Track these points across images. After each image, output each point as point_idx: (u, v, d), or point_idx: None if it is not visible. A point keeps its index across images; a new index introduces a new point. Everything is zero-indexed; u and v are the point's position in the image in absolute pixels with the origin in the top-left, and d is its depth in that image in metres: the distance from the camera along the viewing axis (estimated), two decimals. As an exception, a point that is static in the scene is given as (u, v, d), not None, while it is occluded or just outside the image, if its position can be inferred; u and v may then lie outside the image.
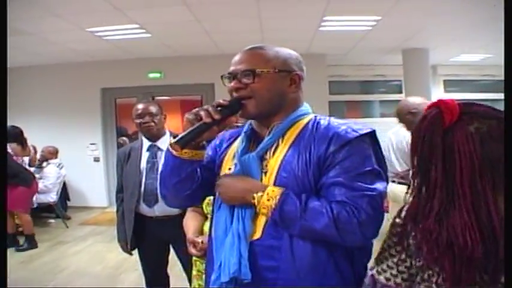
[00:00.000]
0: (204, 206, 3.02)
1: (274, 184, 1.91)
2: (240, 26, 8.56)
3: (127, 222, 4.17)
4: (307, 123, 2.03)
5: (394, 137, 5.68)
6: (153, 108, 4.14)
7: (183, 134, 2.03)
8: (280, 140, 2.00)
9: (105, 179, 11.23)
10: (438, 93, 13.50)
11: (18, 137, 8.39)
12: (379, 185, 1.86)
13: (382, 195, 1.85)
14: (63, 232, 8.96)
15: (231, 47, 9.72)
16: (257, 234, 1.91)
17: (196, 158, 2.09)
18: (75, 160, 10.50)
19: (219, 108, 2.01)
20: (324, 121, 2.02)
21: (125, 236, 4.23)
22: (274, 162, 1.95)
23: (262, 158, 1.99)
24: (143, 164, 4.13)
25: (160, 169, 3.45)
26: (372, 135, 1.96)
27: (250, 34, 9.16)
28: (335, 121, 2.01)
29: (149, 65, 11.19)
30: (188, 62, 10.94)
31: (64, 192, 10.33)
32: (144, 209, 4.08)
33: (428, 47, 10.89)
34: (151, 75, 11.40)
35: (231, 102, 2.04)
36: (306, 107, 2.12)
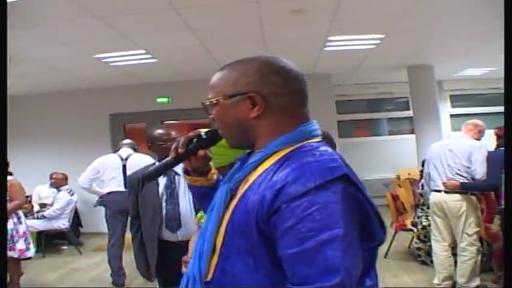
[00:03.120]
0: (197, 221, 3.00)
1: (227, 226, 1.55)
2: (245, 49, 8.52)
3: (149, 249, 4.12)
4: (283, 156, 1.54)
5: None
6: (174, 134, 4.14)
7: (151, 169, 1.93)
8: (250, 175, 1.59)
9: (117, 203, 11.27)
10: (445, 108, 13.57)
11: None
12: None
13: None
14: (76, 259, 8.92)
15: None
16: (209, 276, 1.58)
17: (200, 184, 2.02)
18: (86, 186, 10.59)
19: (195, 140, 1.84)
20: (297, 157, 1.50)
21: (145, 263, 4.18)
22: (235, 201, 1.57)
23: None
24: (161, 189, 4.06)
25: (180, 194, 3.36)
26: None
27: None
28: (309, 159, 1.47)
29: (157, 89, 11.30)
30: (195, 86, 10.90)
31: (76, 219, 10.34)
32: (167, 234, 4.04)
33: (433, 62, 10.96)
34: (160, 100, 11.48)
35: (207, 134, 1.84)
36: (299, 131, 1.61)
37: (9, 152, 11.21)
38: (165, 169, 1.90)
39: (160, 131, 4.20)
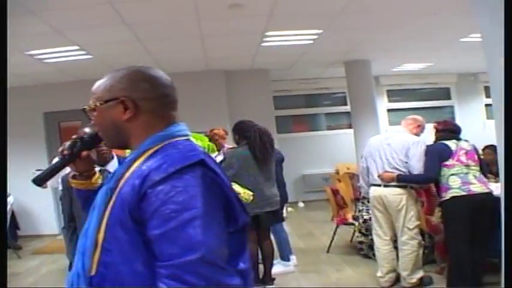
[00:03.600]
0: None
1: (107, 221, 1.62)
2: (182, 44, 8.56)
3: None
4: (153, 152, 1.70)
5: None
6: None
7: (41, 172, 1.98)
8: (126, 172, 1.69)
9: (54, 205, 10.90)
10: (382, 103, 13.75)
11: None
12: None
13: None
14: (15, 263, 8.58)
15: (174, 66, 9.70)
16: (93, 271, 1.62)
17: (85, 188, 2.13)
18: (22, 187, 10.21)
19: (77, 142, 1.99)
20: (162, 150, 1.69)
21: None
22: (114, 196, 1.66)
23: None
24: None
25: None
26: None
27: (193, 52, 9.19)
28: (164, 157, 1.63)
29: (91, 86, 10.94)
30: (133, 83, 10.84)
31: (13, 222, 10.02)
32: None
33: (370, 58, 11.05)
34: (95, 97, 11.14)
35: (88, 136, 2.00)
36: (167, 131, 1.76)
37: None
38: (55, 171, 1.97)
39: (86, 129, 4.03)
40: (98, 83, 1.85)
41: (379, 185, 5.60)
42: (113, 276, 1.57)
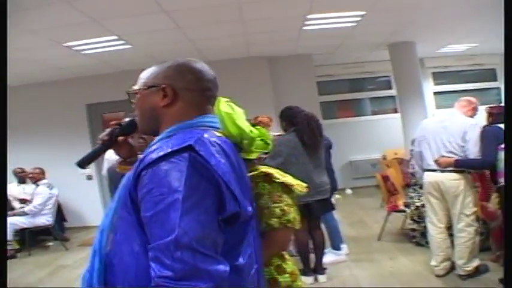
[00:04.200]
0: None
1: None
2: (222, 31, 8.38)
3: None
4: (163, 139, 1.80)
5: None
6: None
7: (83, 156, 2.12)
8: None
9: (101, 196, 10.96)
10: (428, 86, 13.43)
11: None
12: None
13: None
14: (63, 255, 8.66)
15: (215, 53, 9.57)
16: (108, 248, 1.73)
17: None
18: (68, 180, 10.22)
19: (117, 128, 2.16)
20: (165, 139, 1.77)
21: None
22: None
23: None
24: None
25: None
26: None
27: (234, 38, 9.02)
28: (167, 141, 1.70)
29: (133, 77, 10.78)
30: (173, 71, 10.76)
31: (60, 214, 10.11)
32: None
33: (415, 40, 10.74)
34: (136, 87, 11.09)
35: (126, 123, 2.17)
36: (194, 121, 1.86)
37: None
38: (95, 156, 2.12)
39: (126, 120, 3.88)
40: (146, 70, 1.98)
41: (434, 170, 5.34)
42: (118, 255, 1.68)
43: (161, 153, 1.58)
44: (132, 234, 1.63)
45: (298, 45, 10.27)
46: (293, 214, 2.44)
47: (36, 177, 9.35)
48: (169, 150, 1.59)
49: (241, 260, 1.68)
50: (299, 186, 2.53)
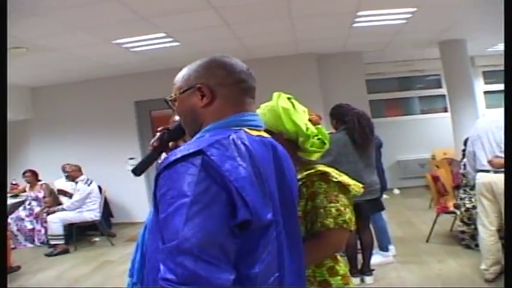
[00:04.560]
0: None
1: None
2: (272, 27, 8.33)
3: None
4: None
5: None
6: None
7: (137, 163, 2.14)
8: None
9: (147, 193, 11.03)
10: (478, 85, 13.16)
11: None
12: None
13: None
14: (109, 251, 8.78)
15: (264, 51, 9.55)
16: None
17: None
18: (115, 176, 10.32)
19: (165, 133, 2.14)
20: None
21: None
22: None
23: None
24: None
25: None
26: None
27: (282, 36, 8.97)
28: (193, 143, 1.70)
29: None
30: (222, 68, 10.75)
31: (107, 209, 10.25)
32: None
33: (466, 37, 10.49)
34: (185, 84, 11.12)
35: (173, 127, 2.14)
36: (230, 119, 1.82)
37: (32, 145, 11.17)
38: (149, 162, 2.12)
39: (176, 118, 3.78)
40: (178, 74, 1.96)
41: (487, 171, 5.20)
42: (148, 251, 1.77)
43: (177, 157, 1.59)
44: (157, 232, 1.62)
45: (347, 43, 10.15)
46: (349, 215, 2.38)
47: (74, 174, 9.45)
48: (185, 153, 1.58)
49: (256, 268, 1.61)
50: (356, 186, 2.46)
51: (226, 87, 1.83)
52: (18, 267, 7.69)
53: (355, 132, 5.37)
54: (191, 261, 1.44)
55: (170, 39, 8.38)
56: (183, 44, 8.71)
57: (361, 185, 2.50)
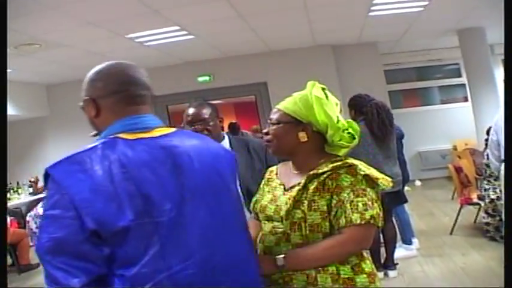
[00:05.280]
0: (252, 206, 2.60)
1: None
2: (287, 19, 8.21)
3: None
4: None
5: None
6: (205, 112, 3.54)
7: None
8: None
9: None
10: (498, 74, 12.94)
11: None
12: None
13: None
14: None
15: (280, 43, 9.44)
16: None
17: None
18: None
19: None
20: None
21: None
22: None
23: None
24: None
25: None
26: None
27: (298, 27, 8.85)
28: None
29: (197, 68, 10.96)
30: (237, 62, 10.68)
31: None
32: None
33: (485, 25, 10.32)
34: (201, 78, 11.16)
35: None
36: (110, 128, 1.88)
37: (50, 142, 11.11)
38: None
39: (187, 111, 3.61)
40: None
41: None
42: None
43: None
44: None
45: (363, 33, 10.02)
46: (377, 210, 2.20)
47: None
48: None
49: (133, 270, 1.64)
50: (384, 180, 2.31)
51: (105, 99, 1.90)
52: (38, 265, 7.67)
53: (374, 124, 5.23)
54: (48, 266, 1.59)
55: (184, 33, 8.27)
56: (198, 37, 8.60)
57: (389, 179, 2.36)
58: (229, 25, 8.06)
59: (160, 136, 1.88)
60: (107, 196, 1.65)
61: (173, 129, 1.97)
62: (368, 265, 2.28)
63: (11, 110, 9.87)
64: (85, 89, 1.94)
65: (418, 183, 12.09)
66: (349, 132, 2.33)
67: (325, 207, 2.18)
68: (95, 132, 2.03)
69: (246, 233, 2.03)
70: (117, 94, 1.89)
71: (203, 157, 1.93)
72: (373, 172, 2.26)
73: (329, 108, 2.30)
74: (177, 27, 7.88)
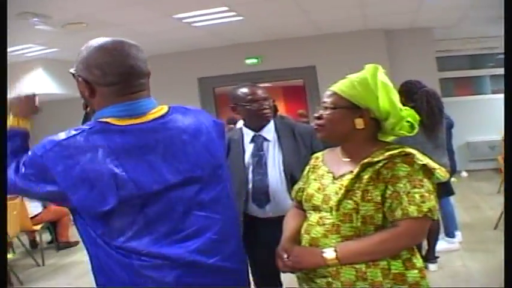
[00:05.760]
0: (294, 194, 2.57)
1: None
2: (339, 1, 8.06)
3: None
4: None
5: None
6: (261, 93, 3.57)
7: None
8: None
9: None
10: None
11: None
12: None
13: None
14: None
15: (331, 25, 9.29)
16: None
17: None
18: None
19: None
20: None
21: None
22: None
23: None
24: (248, 158, 3.55)
25: (269, 163, 3.46)
26: None
27: (351, 10, 8.68)
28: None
29: (245, 50, 10.94)
30: (287, 44, 10.59)
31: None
32: (254, 209, 3.51)
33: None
34: (249, 61, 11.12)
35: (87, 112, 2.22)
36: (103, 111, 1.94)
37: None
38: None
39: (244, 90, 3.62)
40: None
41: None
42: None
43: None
44: None
45: (417, 18, 9.80)
46: (433, 202, 2.10)
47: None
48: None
49: (121, 240, 1.76)
50: (441, 171, 2.20)
51: (101, 87, 1.92)
52: (76, 243, 7.96)
53: (423, 112, 5.07)
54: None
55: (233, 13, 8.19)
56: (246, 18, 8.52)
57: (444, 170, 2.26)
58: (279, 7, 7.94)
59: (153, 120, 1.93)
60: (92, 183, 1.76)
61: (166, 109, 2.02)
62: (419, 260, 2.19)
63: (56, 89, 10.00)
64: (80, 69, 1.95)
65: (464, 174, 11.81)
66: (408, 121, 2.24)
67: (379, 198, 2.10)
68: (88, 108, 2.13)
69: (234, 211, 2.15)
70: (115, 85, 1.91)
71: (196, 138, 2.00)
72: (430, 162, 2.17)
73: (394, 96, 2.21)
74: (225, 8, 7.80)
